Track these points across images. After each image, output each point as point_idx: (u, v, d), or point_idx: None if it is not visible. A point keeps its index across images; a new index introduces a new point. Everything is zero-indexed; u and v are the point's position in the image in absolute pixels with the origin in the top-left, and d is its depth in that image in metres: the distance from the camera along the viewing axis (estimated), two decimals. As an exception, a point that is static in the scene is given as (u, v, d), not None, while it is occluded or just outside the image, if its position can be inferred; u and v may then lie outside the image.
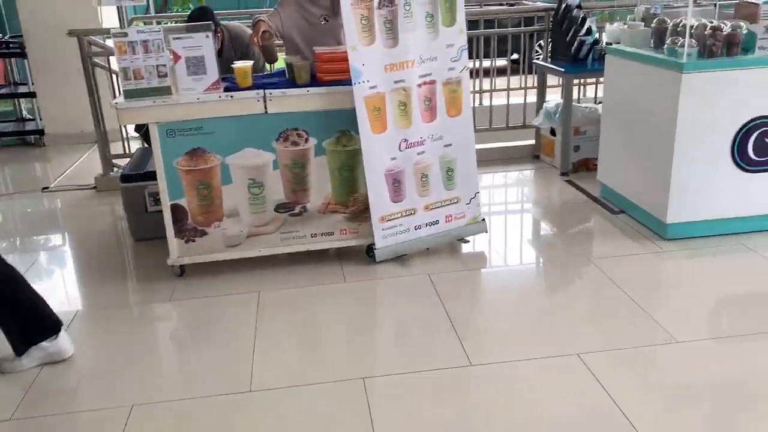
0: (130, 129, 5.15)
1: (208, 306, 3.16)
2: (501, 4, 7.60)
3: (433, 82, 3.36)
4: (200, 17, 3.69)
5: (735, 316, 2.93)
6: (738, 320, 2.88)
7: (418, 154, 3.40)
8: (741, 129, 3.43)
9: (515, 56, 5.77)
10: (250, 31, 3.79)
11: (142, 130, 4.47)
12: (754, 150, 3.47)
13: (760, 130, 3.44)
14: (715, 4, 4.18)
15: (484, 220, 3.65)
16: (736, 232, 3.60)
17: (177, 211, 3.30)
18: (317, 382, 2.52)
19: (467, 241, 3.66)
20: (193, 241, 3.35)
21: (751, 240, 3.54)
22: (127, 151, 5.11)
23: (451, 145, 3.47)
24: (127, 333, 2.98)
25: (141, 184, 3.84)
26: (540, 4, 6.52)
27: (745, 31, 3.36)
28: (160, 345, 2.98)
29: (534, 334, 2.80)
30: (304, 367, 2.63)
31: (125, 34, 3.07)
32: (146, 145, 4.44)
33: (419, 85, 3.33)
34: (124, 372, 2.66)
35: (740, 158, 3.47)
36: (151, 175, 3.46)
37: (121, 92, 3.16)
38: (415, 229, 3.48)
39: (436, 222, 3.53)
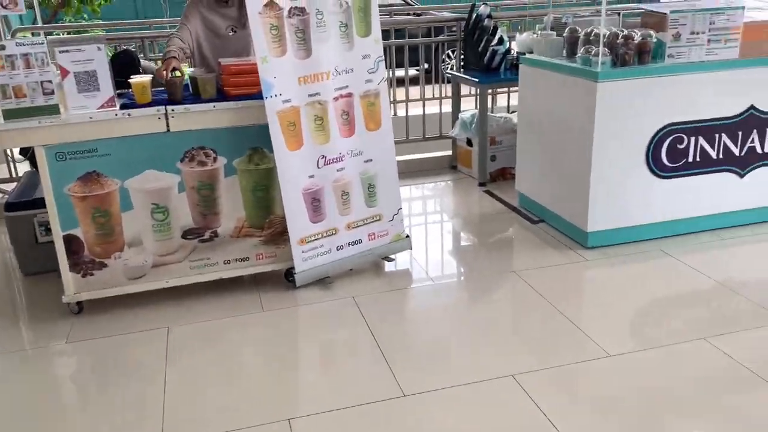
0: (16, 150, 4.68)
1: (111, 346, 2.85)
2: (409, 14, 7.59)
3: (350, 95, 3.20)
4: (125, 61, 3.37)
5: (661, 323, 2.93)
6: (664, 327, 2.88)
7: (337, 170, 3.22)
8: (654, 136, 3.48)
9: (425, 66, 5.75)
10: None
11: (28, 153, 4.05)
12: (667, 156, 3.52)
13: (672, 137, 3.50)
14: (618, 13, 4.26)
15: (408, 236, 3.52)
16: (654, 237, 3.65)
17: (71, 242, 2.97)
18: (238, 428, 2.28)
19: (392, 260, 3.51)
20: (91, 274, 3.03)
21: (668, 244, 3.59)
22: (14, 175, 4.64)
23: (371, 160, 3.32)
24: (18, 381, 2.63)
25: (29, 213, 3.45)
26: (448, 14, 6.53)
27: (654, 40, 3.41)
28: (58, 393, 2.63)
29: (466, 356, 2.68)
30: (223, 410, 2.39)
31: (2, 47, 2.73)
32: (34, 169, 4.02)
33: (335, 99, 3.16)
34: (15, 429, 2.33)
35: (655, 165, 3.52)
36: (41, 203, 3.09)
37: (0, 112, 2.81)
38: (338, 250, 3.30)
39: (359, 241, 3.36)
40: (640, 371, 2.53)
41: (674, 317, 2.96)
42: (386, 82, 3.31)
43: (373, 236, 3.40)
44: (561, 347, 2.70)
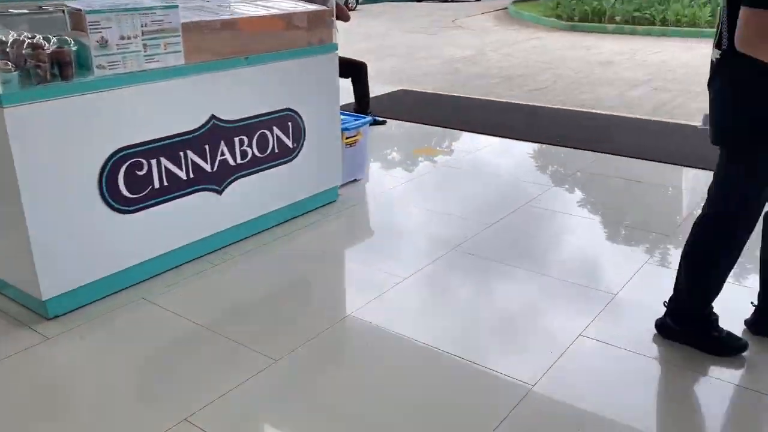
0: None
1: None
2: None
3: None
4: None
5: (126, 417, 2.32)
6: (129, 420, 2.28)
7: None
8: (105, 165, 2.81)
9: None
10: None
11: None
12: (127, 187, 2.90)
13: (128, 163, 2.89)
14: (63, 11, 3.43)
15: None
16: (136, 283, 3.03)
17: None
18: None
19: None
20: None
21: (151, 289, 3.01)
22: None
23: None
24: None
25: None
26: None
27: (75, 47, 2.71)
28: None
29: None
30: None
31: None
32: None
33: None
34: None
35: (114, 200, 2.86)
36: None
37: None
38: None
39: None
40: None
41: (150, 404, 2.37)
42: None
43: None
44: None
